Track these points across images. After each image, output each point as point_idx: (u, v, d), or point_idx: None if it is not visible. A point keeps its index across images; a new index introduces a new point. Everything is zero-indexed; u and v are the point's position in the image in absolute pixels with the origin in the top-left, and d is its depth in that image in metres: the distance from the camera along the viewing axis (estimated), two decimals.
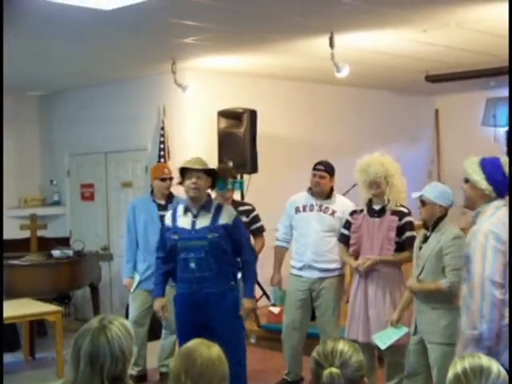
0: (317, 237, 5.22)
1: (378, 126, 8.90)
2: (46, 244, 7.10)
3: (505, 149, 8.26)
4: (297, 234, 5.37)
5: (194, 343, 2.40)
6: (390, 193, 4.77)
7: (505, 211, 3.38)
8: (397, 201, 4.78)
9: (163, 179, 5.67)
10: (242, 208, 5.42)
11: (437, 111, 10.09)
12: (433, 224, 4.11)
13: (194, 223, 4.43)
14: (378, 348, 4.62)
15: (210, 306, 4.39)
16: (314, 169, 5.24)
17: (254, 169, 6.79)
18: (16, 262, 6.62)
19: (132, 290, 5.69)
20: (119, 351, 2.25)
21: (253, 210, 5.60)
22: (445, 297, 4.03)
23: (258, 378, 5.57)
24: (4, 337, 5.49)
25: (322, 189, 5.24)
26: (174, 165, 6.45)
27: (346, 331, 4.88)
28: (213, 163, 4.69)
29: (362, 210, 4.88)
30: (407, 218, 4.76)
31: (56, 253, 6.80)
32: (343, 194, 5.77)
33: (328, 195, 5.28)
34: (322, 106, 8.33)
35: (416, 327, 4.17)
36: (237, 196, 6.31)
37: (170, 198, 5.70)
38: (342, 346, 2.28)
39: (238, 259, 4.56)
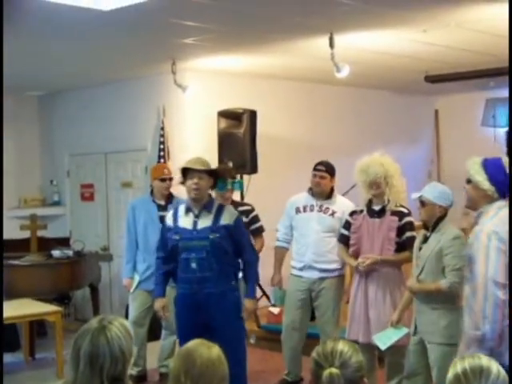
0: (317, 237, 5.22)
1: (378, 126, 8.89)
2: (45, 244, 7.10)
3: (505, 149, 8.27)
4: (297, 234, 5.37)
5: (193, 344, 2.40)
6: (390, 193, 4.77)
7: (507, 211, 3.38)
8: (397, 201, 4.78)
9: (163, 179, 5.67)
10: (241, 208, 5.42)
11: (436, 111, 10.10)
12: (433, 224, 4.11)
13: (195, 223, 4.42)
14: (379, 348, 4.62)
15: (211, 307, 4.39)
16: (315, 169, 5.24)
17: (253, 169, 6.79)
18: (16, 262, 6.62)
19: (132, 290, 5.69)
20: (119, 351, 2.25)
21: (252, 210, 5.60)
22: (445, 297, 4.04)
23: (257, 378, 5.57)
24: (4, 337, 5.49)
25: (323, 189, 5.24)
26: (174, 165, 6.46)
27: (346, 332, 4.88)
28: (213, 163, 4.68)
29: (361, 211, 4.88)
30: (407, 218, 4.76)
31: (56, 253, 6.80)
32: (343, 195, 5.76)
33: (328, 195, 5.28)
34: (321, 106, 8.33)
35: (416, 327, 4.17)
36: (236, 196, 6.32)
37: (169, 198, 5.70)
38: (341, 346, 2.28)
39: (239, 260, 4.56)
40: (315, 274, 5.24)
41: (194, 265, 4.38)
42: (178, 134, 7.14)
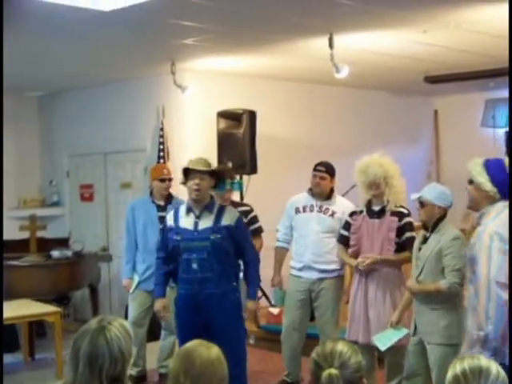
0: (316, 238, 5.22)
1: (378, 126, 8.90)
2: (45, 245, 7.10)
3: (504, 150, 8.27)
4: (297, 234, 5.37)
5: (193, 344, 2.40)
6: (390, 194, 4.77)
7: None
8: (396, 201, 4.78)
9: (162, 180, 5.67)
10: (240, 209, 5.40)
11: (436, 112, 10.10)
12: (432, 225, 4.11)
13: (196, 224, 4.42)
14: (378, 349, 4.62)
15: (212, 307, 4.38)
16: (315, 170, 5.24)
17: (253, 169, 6.79)
18: (15, 262, 6.62)
19: (131, 290, 5.69)
20: (118, 352, 2.25)
21: (251, 210, 5.60)
22: (444, 298, 4.03)
23: (257, 378, 5.57)
24: (3, 337, 5.49)
25: (323, 189, 5.24)
26: (174, 165, 6.47)
27: (346, 332, 4.88)
28: (212, 164, 4.68)
29: (361, 211, 4.88)
30: (407, 219, 4.76)
31: (55, 253, 6.80)
32: (342, 195, 5.77)
33: (328, 196, 5.28)
34: (321, 107, 8.34)
35: (415, 328, 4.17)
36: (236, 197, 6.32)
37: (169, 198, 5.69)
38: (341, 346, 2.28)
39: (240, 260, 4.56)
40: (314, 275, 5.24)
41: (195, 265, 4.37)
42: (177, 134, 7.14)
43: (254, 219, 5.58)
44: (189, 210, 4.46)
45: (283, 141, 7.81)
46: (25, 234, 6.99)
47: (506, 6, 4.37)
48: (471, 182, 3.51)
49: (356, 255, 4.85)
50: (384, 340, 4.50)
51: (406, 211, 4.79)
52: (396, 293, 4.71)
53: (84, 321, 2.50)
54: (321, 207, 5.25)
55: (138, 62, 6.56)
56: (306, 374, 5.03)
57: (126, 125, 7.61)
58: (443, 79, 7.76)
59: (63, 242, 7.53)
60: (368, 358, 4.53)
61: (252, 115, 6.80)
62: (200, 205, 4.42)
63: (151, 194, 5.76)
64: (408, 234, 4.72)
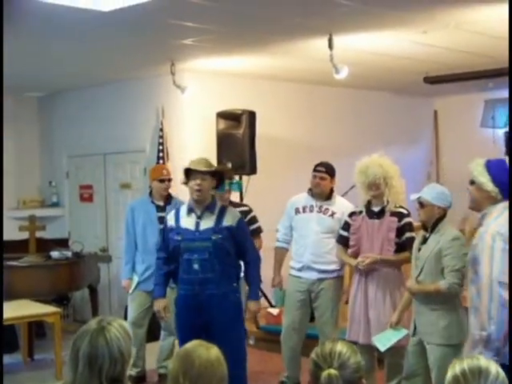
0: (316, 238, 5.22)
1: (377, 127, 8.90)
2: (44, 245, 7.09)
3: (504, 150, 8.27)
4: (296, 234, 5.37)
5: (192, 345, 2.40)
6: (389, 194, 4.77)
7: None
8: (396, 202, 4.78)
9: (162, 180, 5.67)
10: (239, 209, 5.37)
11: (436, 112, 10.10)
12: (431, 225, 4.11)
13: (197, 224, 4.41)
14: (378, 349, 4.62)
15: (213, 308, 4.38)
16: (315, 170, 5.24)
17: (252, 170, 6.79)
18: (15, 263, 6.61)
19: (131, 291, 5.69)
20: (118, 352, 2.25)
21: (250, 211, 5.60)
22: (444, 298, 4.04)
23: (257, 379, 5.57)
24: (3, 338, 5.49)
25: (322, 190, 5.24)
26: (173, 166, 6.48)
27: (347, 333, 4.88)
28: (213, 164, 4.68)
29: (361, 212, 4.88)
30: (407, 219, 4.77)
31: (55, 254, 6.80)
32: (342, 196, 5.77)
33: (328, 196, 5.28)
34: (320, 108, 8.33)
35: (415, 328, 4.17)
36: (235, 197, 6.32)
37: (168, 199, 5.70)
38: (340, 347, 2.28)
39: (241, 261, 4.56)
40: (314, 275, 5.24)
41: (196, 266, 4.37)
42: (176, 134, 7.14)
43: (253, 219, 5.58)
44: (190, 211, 4.45)
45: (283, 141, 7.81)
46: (24, 235, 6.98)
47: (506, 7, 4.37)
48: (473, 182, 3.50)
49: (356, 255, 4.85)
50: (384, 340, 4.50)
51: (405, 212, 4.79)
52: (396, 293, 4.72)
53: (83, 321, 2.51)
54: (321, 207, 5.25)
55: (137, 63, 6.56)
56: (305, 374, 5.03)
57: (126, 125, 7.60)
58: (443, 80, 7.76)
59: (63, 243, 7.52)
60: (368, 359, 4.54)
61: (252, 116, 6.80)
62: (201, 205, 4.42)
63: (151, 194, 5.76)
64: (408, 235, 4.72)
